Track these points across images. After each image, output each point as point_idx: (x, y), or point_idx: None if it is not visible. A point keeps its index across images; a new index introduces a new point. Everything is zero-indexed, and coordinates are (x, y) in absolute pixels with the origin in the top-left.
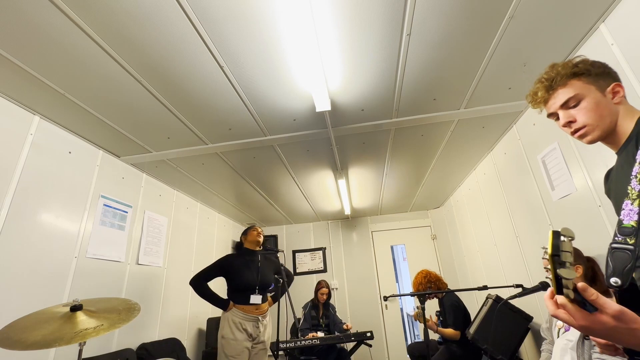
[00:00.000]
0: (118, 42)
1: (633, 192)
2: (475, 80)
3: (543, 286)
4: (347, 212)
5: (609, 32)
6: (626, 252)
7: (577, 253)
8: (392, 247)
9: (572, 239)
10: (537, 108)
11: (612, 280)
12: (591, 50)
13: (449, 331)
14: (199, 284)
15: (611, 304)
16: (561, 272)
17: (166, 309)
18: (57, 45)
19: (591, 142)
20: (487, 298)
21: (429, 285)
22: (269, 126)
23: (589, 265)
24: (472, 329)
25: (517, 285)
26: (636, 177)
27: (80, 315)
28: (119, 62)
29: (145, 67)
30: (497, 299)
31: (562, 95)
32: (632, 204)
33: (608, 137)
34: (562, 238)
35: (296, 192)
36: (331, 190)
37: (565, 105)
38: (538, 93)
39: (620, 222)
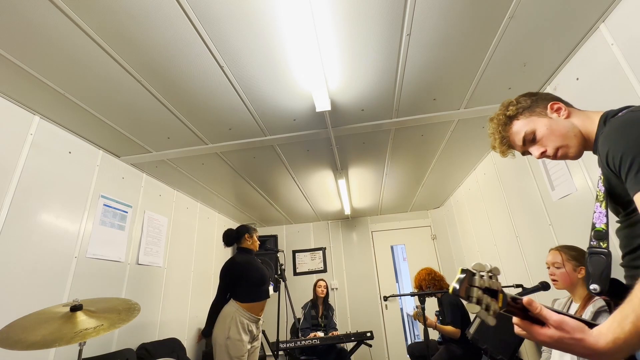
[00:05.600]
0: (118, 42)
1: (600, 194)
2: (475, 80)
3: (543, 286)
4: (347, 212)
5: (609, 32)
6: (601, 257)
7: (582, 254)
8: (392, 247)
9: (480, 272)
10: (508, 156)
11: (592, 287)
12: (591, 50)
13: (449, 328)
14: (219, 309)
15: (552, 315)
16: (468, 307)
17: (166, 309)
18: (57, 45)
19: (575, 157)
20: None
21: (432, 283)
22: (269, 126)
23: None
24: (472, 329)
25: (517, 285)
26: (601, 178)
27: (80, 315)
28: (119, 62)
29: (145, 67)
30: None
31: (516, 138)
32: (600, 206)
33: (587, 145)
34: (474, 274)
35: (296, 192)
36: (331, 190)
37: (527, 144)
38: (497, 148)
39: (593, 226)
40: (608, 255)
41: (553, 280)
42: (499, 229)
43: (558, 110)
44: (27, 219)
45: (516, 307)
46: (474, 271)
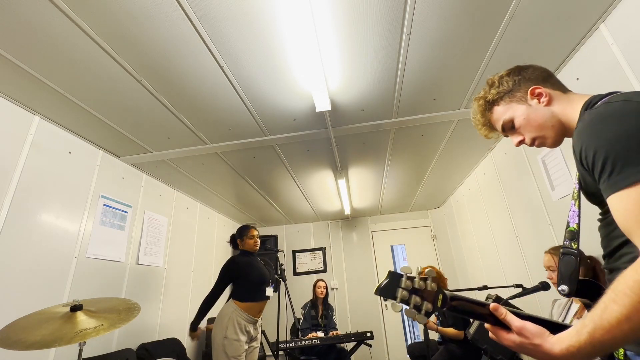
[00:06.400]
0: (118, 42)
1: (575, 191)
2: (476, 80)
3: (543, 286)
4: (347, 212)
5: (609, 32)
6: (571, 257)
7: None
8: (392, 247)
9: (406, 274)
10: (492, 138)
11: (560, 288)
12: (591, 50)
13: (451, 331)
14: (211, 304)
15: (514, 321)
16: (392, 306)
17: (166, 309)
18: (57, 46)
19: (553, 146)
20: (487, 298)
21: None
22: (269, 126)
23: (591, 266)
24: (472, 329)
25: (517, 285)
26: (577, 175)
27: (80, 315)
28: (119, 62)
29: (145, 67)
30: (497, 299)
31: (496, 124)
32: (575, 204)
33: (567, 133)
34: (401, 275)
35: (296, 192)
36: (331, 190)
37: (506, 130)
38: (480, 132)
39: (567, 225)
40: (577, 256)
41: (552, 282)
42: (499, 229)
43: (539, 96)
44: (27, 219)
45: (468, 306)
46: (401, 273)
